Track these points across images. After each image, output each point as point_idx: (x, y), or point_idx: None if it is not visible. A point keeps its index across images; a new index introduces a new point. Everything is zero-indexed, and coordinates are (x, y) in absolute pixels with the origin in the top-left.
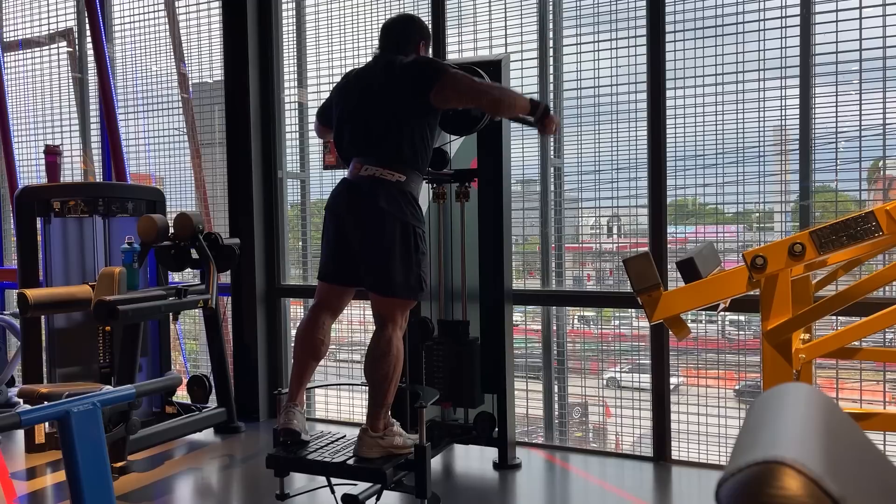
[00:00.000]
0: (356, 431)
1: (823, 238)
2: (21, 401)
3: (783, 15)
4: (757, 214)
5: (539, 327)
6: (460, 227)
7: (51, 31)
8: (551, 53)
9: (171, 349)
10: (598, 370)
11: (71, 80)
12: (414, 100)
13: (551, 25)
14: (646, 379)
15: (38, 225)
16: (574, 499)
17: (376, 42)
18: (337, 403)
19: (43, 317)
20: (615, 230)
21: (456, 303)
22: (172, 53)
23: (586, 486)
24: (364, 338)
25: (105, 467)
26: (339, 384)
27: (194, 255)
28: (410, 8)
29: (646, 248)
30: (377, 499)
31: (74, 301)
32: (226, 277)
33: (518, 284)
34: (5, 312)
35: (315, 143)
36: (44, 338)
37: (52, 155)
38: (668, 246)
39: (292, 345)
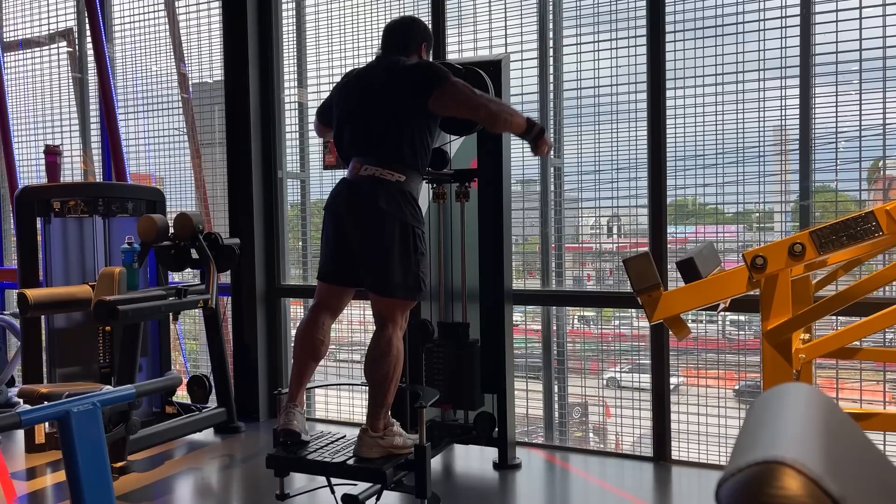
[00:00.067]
0: (356, 431)
1: (823, 238)
2: (21, 401)
3: (783, 15)
4: (757, 214)
5: (539, 327)
6: (460, 227)
7: (51, 31)
8: (551, 53)
9: (171, 349)
10: (598, 370)
11: (71, 80)
12: (413, 102)
13: (551, 25)
14: (646, 379)
15: (38, 225)
16: (574, 499)
17: (376, 42)
18: (337, 403)
19: (43, 317)
20: (615, 230)
21: (456, 303)
22: (172, 53)
23: (586, 486)
24: (364, 338)
25: (105, 467)
26: (339, 384)
27: (194, 255)
28: (410, 8)
29: (646, 248)
30: (377, 499)
31: (74, 301)
32: (226, 277)
33: (518, 284)
34: (5, 312)
35: (315, 143)
36: (44, 338)
37: (52, 155)
38: (668, 246)
39: (292, 345)
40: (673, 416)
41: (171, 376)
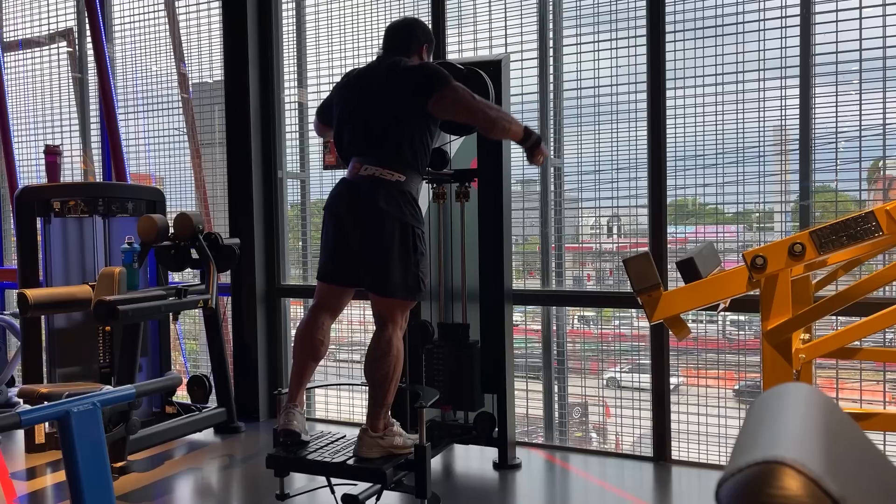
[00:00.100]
0: (356, 431)
1: (823, 238)
2: (21, 401)
3: (783, 15)
4: (757, 214)
5: (539, 327)
6: (460, 227)
7: (51, 31)
8: (551, 53)
9: (171, 349)
10: (598, 370)
11: (71, 80)
12: (414, 103)
13: (551, 25)
14: (646, 379)
15: (38, 225)
16: (574, 499)
17: (376, 42)
18: (337, 403)
19: (43, 317)
20: (615, 230)
21: (456, 304)
22: (172, 53)
23: (586, 486)
24: (364, 338)
25: (105, 467)
26: (339, 384)
27: (194, 255)
28: (410, 8)
29: (646, 248)
30: (377, 499)
31: (74, 301)
32: (226, 277)
33: (518, 284)
34: (5, 312)
35: (315, 143)
36: (44, 338)
37: (52, 155)
38: (668, 246)
39: (292, 345)
40: (673, 416)
41: (171, 376)
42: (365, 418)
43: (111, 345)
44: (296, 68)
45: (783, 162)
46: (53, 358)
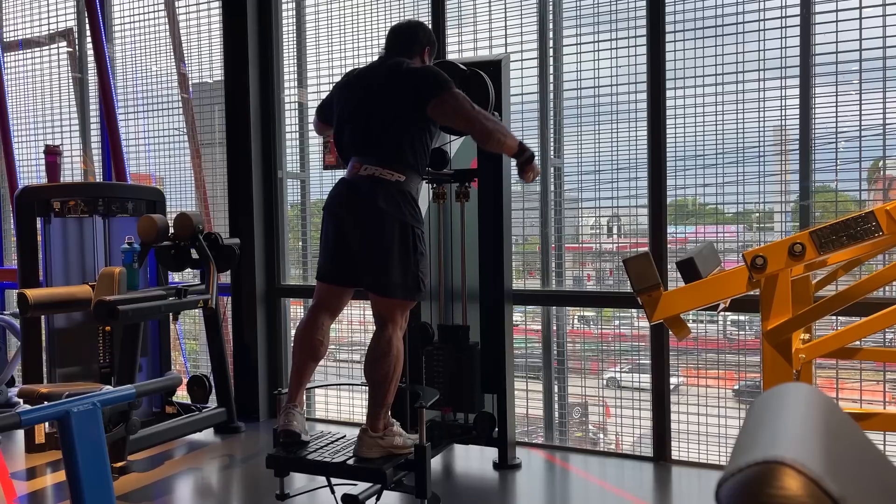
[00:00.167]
0: (356, 431)
1: (823, 238)
2: (21, 401)
3: (783, 15)
4: (757, 214)
5: (539, 327)
6: (460, 227)
7: (51, 31)
8: (551, 53)
9: (171, 349)
10: (598, 370)
11: (71, 80)
12: (414, 105)
13: (551, 25)
14: (646, 379)
15: (38, 225)
16: (574, 499)
17: (376, 42)
18: (337, 403)
19: (43, 317)
20: (615, 230)
21: (456, 305)
22: (172, 53)
23: (586, 486)
24: (364, 338)
25: (105, 467)
26: (339, 384)
27: (194, 255)
28: (410, 7)
29: (646, 248)
30: (377, 499)
31: (74, 301)
32: (226, 277)
33: (518, 284)
34: (5, 312)
35: (315, 143)
36: (44, 338)
37: (52, 155)
38: (668, 246)
39: (292, 345)
40: (673, 416)
41: (171, 376)
42: (365, 418)
43: (111, 345)
44: (296, 68)
45: (783, 162)
46: (53, 358)
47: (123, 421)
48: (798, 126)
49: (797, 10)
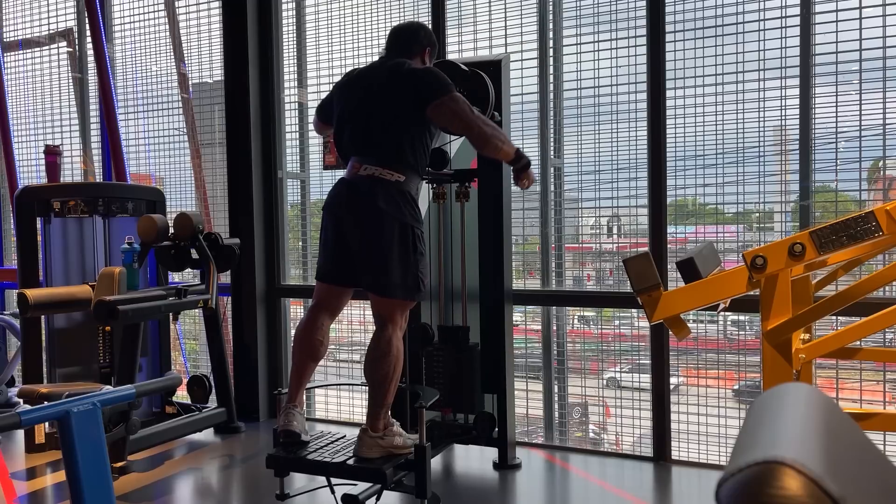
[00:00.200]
0: (356, 431)
1: (823, 238)
2: (21, 401)
3: (783, 15)
4: (757, 214)
5: (539, 327)
6: (460, 227)
7: (51, 31)
8: (551, 53)
9: (171, 349)
10: (598, 370)
11: (71, 80)
12: (414, 105)
13: (551, 25)
14: (646, 379)
15: (38, 225)
16: (574, 499)
17: (376, 42)
18: (337, 403)
19: (43, 317)
20: (615, 230)
21: (456, 305)
22: (172, 53)
23: (586, 486)
24: (364, 338)
25: (105, 467)
26: (339, 384)
27: (194, 255)
28: (410, 7)
29: (646, 248)
30: (377, 499)
31: (74, 301)
32: (226, 277)
33: (518, 284)
34: (5, 312)
35: (315, 143)
36: (44, 338)
37: (52, 155)
38: (668, 246)
39: (292, 345)
40: (673, 416)
41: (171, 376)
42: (365, 418)
43: (111, 345)
44: (296, 68)
45: (783, 162)
46: (53, 358)
47: (123, 421)
48: (798, 126)
49: (797, 10)
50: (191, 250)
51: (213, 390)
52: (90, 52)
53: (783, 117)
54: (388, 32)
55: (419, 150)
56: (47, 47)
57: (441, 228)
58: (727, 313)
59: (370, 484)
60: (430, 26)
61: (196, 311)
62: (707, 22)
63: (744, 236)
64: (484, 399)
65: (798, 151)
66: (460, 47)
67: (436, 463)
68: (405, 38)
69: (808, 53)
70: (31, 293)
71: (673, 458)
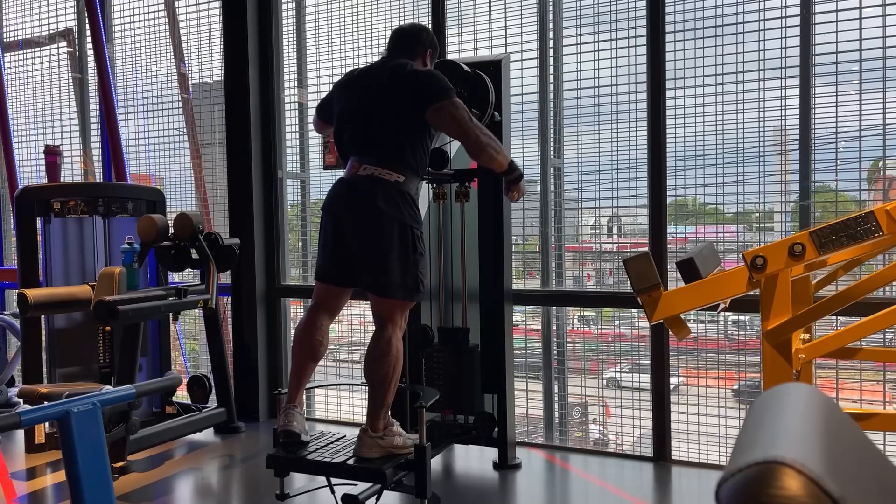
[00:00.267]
0: (356, 431)
1: (823, 238)
2: (21, 401)
3: (783, 15)
4: (757, 214)
5: (539, 327)
6: (460, 227)
7: (51, 31)
8: (551, 53)
9: (171, 349)
10: (598, 370)
11: (71, 80)
12: (415, 106)
13: (551, 25)
14: (646, 379)
15: (38, 225)
16: (574, 499)
17: (376, 42)
18: (337, 403)
19: (43, 317)
20: (615, 230)
21: (456, 306)
22: (172, 53)
23: (586, 486)
24: (364, 338)
25: (105, 467)
26: (339, 384)
27: (194, 255)
28: (410, 7)
29: (646, 248)
30: (377, 499)
31: (74, 301)
32: (226, 277)
33: (518, 284)
34: (5, 312)
35: (315, 143)
36: (44, 338)
37: (52, 155)
38: (668, 246)
39: (291, 345)
40: (673, 416)
41: (171, 376)
42: (365, 418)
43: (111, 345)
44: (296, 68)
45: (783, 162)
46: (53, 358)
47: (123, 421)
48: (798, 126)
49: (797, 10)
50: (191, 250)
51: (213, 390)
52: (90, 52)
53: (783, 117)
54: (390, 33)
55: (419, 151)
56: (47, 47)
57: (441, 228)
58: (727, 313)
59: (370, 484)
60: (430, 26)
61: (196, 311)
62: (707, 22)
63: (744, 236)
64: (484, 399)
65: (798, 151)
66: (460, 47)
67: (436, 463)
68: (407, 40)
69: (808, 53)
70: (31, 293)
71: (673, 458)
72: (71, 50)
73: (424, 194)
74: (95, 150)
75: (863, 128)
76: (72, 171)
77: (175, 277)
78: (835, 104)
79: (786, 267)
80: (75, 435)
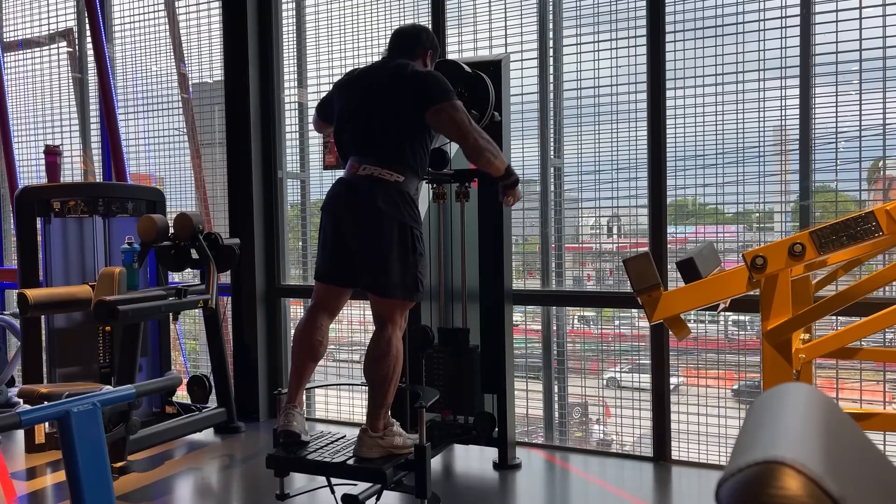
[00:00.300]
0: (356, 431)
1: (823, 238)
2: (21, 401)
3: (783, 15)
4: (757, 214)
5: (539, 327)
6: (460, 227)
7: (51, 31)
8: (551, 53)
9: (171, 349)
10: (598, 370)
11: (71, 80)
12: (415, 107)
13: (551, 25)
14: (646, 379)
15: (38, 225)
16: (574, 499)
17: (376, 42)
18: (337, 403)
19: (43, 317)
20: (615, 230)
21: (456, 306)
22: (172, 53)
23: (586, 486)
24: (364, 338)
25: (105, 467)
26: (339, 384)
27: (194, 255)
28: (410, 7)
29: (646, 248)
30: (377, 499)
31: (74, 301)
32: (226, 277)
33: (518, 284)
34: (5, 312)
35: (315, 143)
36: (44, 338)
37: (52, 155)
38: (668, 246)
39: (291, 345)
40: (673, 416)
41: (171, 376)
42: (365, 418)
43: (111, 345)
44: (296, 68)
45: (783, 162)
46: (53, 358)
47: (123, 421)
48: (798, 126)
49: (797, 10)
50: (191, 250)
51: (213, 390)
52: (90, 52)
53: (783, 117)
54: (390, 34)
55: (419, 151)
56: (47, 47)
57: (441, 228)
58: (727, 313)
59: (370, 484)
60: (430, 26)
61: (196, 311)
62: (707, 22)
63: (744, 236)
64: (484, 399)
65: (798, 151)
66: (460, 47)
67: (436, 463)
68: (408, 41)
69: (808, 53)
70: (31, 293)
71: (673, 458)
72: (71, 50)
73: (424, 194)
74: (95, 150)
75: (863, 128)
76: (72, 171)
77: (175, 277)
78: (835, 104)
79: (786, 267)
80: (75, 435)
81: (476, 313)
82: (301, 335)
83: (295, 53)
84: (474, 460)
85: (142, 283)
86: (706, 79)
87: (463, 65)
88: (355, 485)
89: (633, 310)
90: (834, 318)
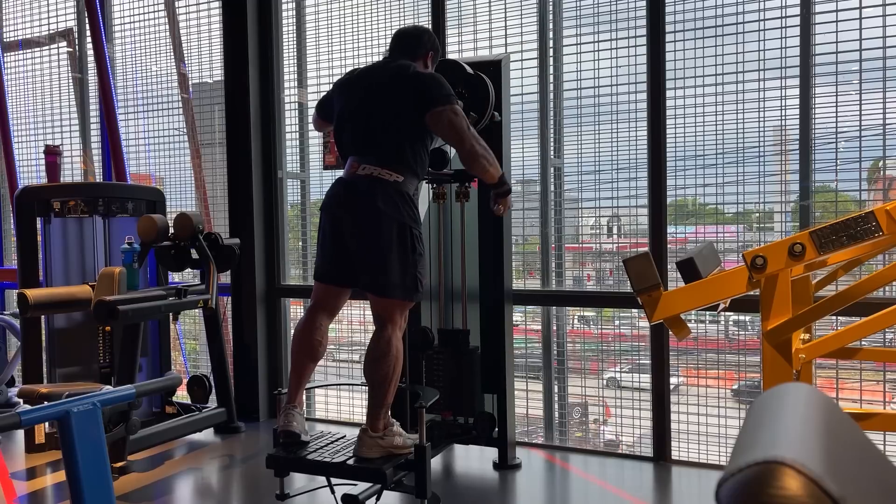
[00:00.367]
0: (356, 431)
1: (823, 238)
2: (21, 401)
3: (783, 15)
4: (757, 214)
5: (539, 327)
6: (460, 227)
7: (51, 31)
8: (551, 53)
9: (171, 349)
10: (598, 370)
11: (71, 80)
12: (414, 107)
13: (551, 25)
14: (646, 379)
15: (38, 225)
16: (574, 499)
17: (376, 42)
18: (337, 403)
19: (43, 317)
20: (615, 230)
21: (456, 307)
22: (172, 53)
23: (586, 486)
24: (364, 338)
25: (105, 467)
26: (339, 384)
27: (194, 255)
28: (410, 7)
29: (646, 248)
30: (377, 499)
31: (74, 301)
32: (226, 277)
33: (518, 284)
34: (5, 312)
35: (315, 143)
36: (44, 338)
37: (52, 155)
38: (668, 246)
39: (291, 345)
40: (673, 416)
41: (171, 376)
42: (365, 418)
43: (111, 345)
44: (296, 68)
45: (783, 162)
46: (53, 358)
47: (123, 421)
48: (798, 126)
49: (797, 10)
50: (191, 250)
51: (213, 390)
52: (90, 52)
53: (783, 117)
54: (392, 34)
55: (419, 152)
56: (47, 47)
57: (441, 229)
58: (727, 313)
59: (370, 484)
60: (430, 27)
61: (196, 311)
62: (707, 22)
63: (744, 236)
64: (484, 399)
65: (798, 151)
66: (460, 47)
67: (436, 463)
68: (409, 42)
69: (808, 53)
70: (31, 293)
71: (673, 458)
72: (71, 50)
73: (424, 194)
74: (95, 150)
75: (863, 128)
76: (72, 171)
77: (175, 277)
78: (835, 104)
79: (786, 267)
80: (75, 435)
81: (476, 313)
82: (300, 335)
83: (295, 53)
84: (474, 460)
85: (142, 283)
86: (706, 79)
87: (464, 65)
88: (355, 485)
89: (633, 310)
90: (834, 318)
